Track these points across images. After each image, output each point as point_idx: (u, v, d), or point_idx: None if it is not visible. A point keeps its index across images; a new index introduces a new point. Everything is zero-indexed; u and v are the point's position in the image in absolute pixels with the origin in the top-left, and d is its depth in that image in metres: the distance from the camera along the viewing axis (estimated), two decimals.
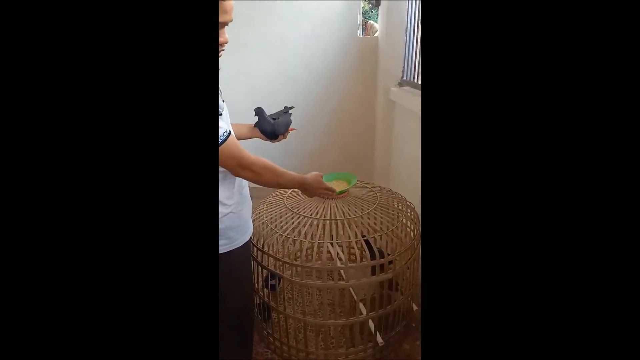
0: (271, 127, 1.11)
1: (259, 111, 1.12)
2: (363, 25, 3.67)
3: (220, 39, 0.78)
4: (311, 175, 1.03)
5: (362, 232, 1.09)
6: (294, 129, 1.20)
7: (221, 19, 0.74)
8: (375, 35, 2.41)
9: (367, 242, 1.08)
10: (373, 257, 1.06)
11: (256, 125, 1.12)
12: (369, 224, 1.11)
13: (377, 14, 2.42)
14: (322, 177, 1.05)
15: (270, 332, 1.20)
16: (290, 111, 1.20)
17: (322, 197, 1.07)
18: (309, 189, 1.03)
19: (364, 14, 3.70)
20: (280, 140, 1.16)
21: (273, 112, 1.18)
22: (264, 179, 0.90)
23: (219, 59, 0.83)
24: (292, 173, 0.97)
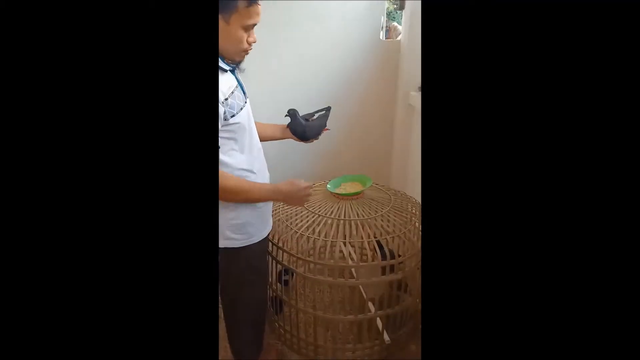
0: (302, 129, 1.12)
1: (292, 113, 1.12)
2: (386, 27, 3.67)
3: (250, 39, 0.84)
4: (283, 183, 0.97)
5: (374, 234, 1.13)
6: (327, 129, 1.20)
7: (253, 20, 0.81)
8: (399, 38, 2.42)
9: (378, 242, 1.12)
10: (384, 257, 1.10)
11: (288, 126, 1.14)
12: (381, 225, 1.14)
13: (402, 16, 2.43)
14: (295, 181, 0.98)
15: (281, 324, 1.25)
16: (328, 112, 1.19)
17: (306, 198, 1.00)
18: (288, 198, 0.98)
19: (388, 15, 3.70)
20: (312, 142, 1.18)
21: (310, 112, 1.18)
22: (235, 197, 0.89)
23: (245, 57, 0.89)
24: (263, 185, 0.95)
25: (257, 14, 0.81)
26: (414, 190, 1.89)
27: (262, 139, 1.12)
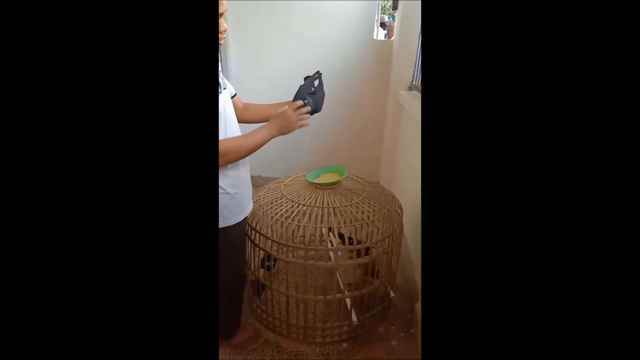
0: (315, 106, 1.11)
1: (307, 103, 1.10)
2: (388, 26, 3.72)
3: (221, 28, 0.91)
4: (274, 121, 1.03)
5: (344, 221, 1.20)
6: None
7: (219, 10, 0.87)
8: (392, 38, 2.48)
9: (341, 235, 1.20)
10: (344, 243, 1.17)
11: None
12: (351, 212, 1.22)
13: None
14: (285, 111, 1.03)
15: (259, 304, 1.34)
16: (321, 78, 1.15)
17: (302, 120, 1.04)
18: (285, 131, 1.03)
19: (389, 15, 3.75)
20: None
21: (304, 84, 1.13)
22: (234, 155, 0.98)
23: (220, 46, 0.96)
24: (256, 133, 0.99)
25: (222, 3, 0.89)
26: (401, 188, 1.95)
27: (264, 120, 1.16)
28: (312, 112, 1.12)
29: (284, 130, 1.04)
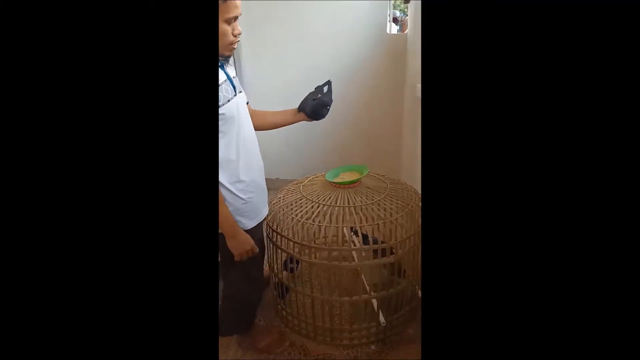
0: (318, 110, 1.16)
1: (309, 110, 1.17)
2: (400, 21, 3.66)
3: (235, 31, 0.90)
4: (241, 237, 0.99)
5: (366, 219, 1.17)
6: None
7: (233, 13, 0.86)
8: (406, 31, 2.43)
9: (355, 231, 1.16)
10: (365, 243, 1.14)
11: (304, 112, 1.18)
12: (373, 210, 1.19)
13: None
14: (246, 243, 1.01)
15: (283, 306, 1.32)
16: (330, 86, 1.20)
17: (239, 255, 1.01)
18: (234, 246, 0.99)
19: (400, 10, 3.70)
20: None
21: (312, 91, 1.20)
22: None
23: (235, 49, 0.95)
24: (228, 217, 0.96)
25: (236, 6, 0.86)
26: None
27: (274, 127, 1.21)
28: (317, 117, 1.18)
29: (233, 245, 0.99)
